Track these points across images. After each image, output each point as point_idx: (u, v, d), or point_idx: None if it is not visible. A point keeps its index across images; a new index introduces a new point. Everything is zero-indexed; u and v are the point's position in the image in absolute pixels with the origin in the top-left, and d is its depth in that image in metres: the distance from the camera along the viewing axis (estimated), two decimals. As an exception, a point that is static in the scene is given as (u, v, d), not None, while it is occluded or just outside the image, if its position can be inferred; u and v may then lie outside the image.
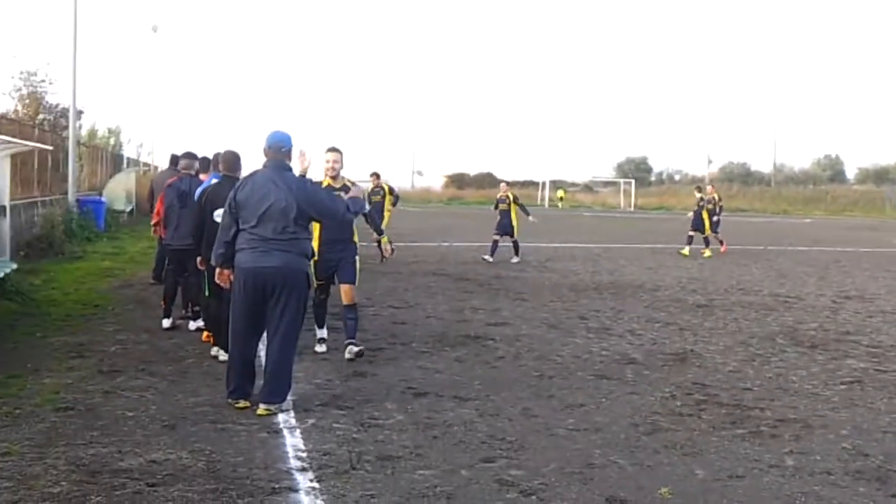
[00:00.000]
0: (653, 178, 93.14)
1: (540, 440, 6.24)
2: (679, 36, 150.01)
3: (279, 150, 7.02)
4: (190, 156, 10.94)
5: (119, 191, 29.85)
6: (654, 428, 6.63)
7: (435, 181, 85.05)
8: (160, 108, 78.78)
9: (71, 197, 22.65)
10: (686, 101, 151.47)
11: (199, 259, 8.72)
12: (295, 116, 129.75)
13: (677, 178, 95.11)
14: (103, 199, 26.01)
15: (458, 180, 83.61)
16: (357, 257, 8.97)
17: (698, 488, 5.38)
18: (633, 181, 74.69)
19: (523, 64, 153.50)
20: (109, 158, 36.83)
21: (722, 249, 23.67)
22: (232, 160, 8.70)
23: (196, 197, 9.05)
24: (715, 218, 23.68)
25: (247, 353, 6.99)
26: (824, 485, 5.47)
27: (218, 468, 5.41)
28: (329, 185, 8.78)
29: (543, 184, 72.57)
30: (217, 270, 7.22)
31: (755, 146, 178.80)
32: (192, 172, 10.52)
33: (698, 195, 24.54)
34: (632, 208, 69.10)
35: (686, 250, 22.87)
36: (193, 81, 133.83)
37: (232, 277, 7.05)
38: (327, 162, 8.90)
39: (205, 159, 10.58)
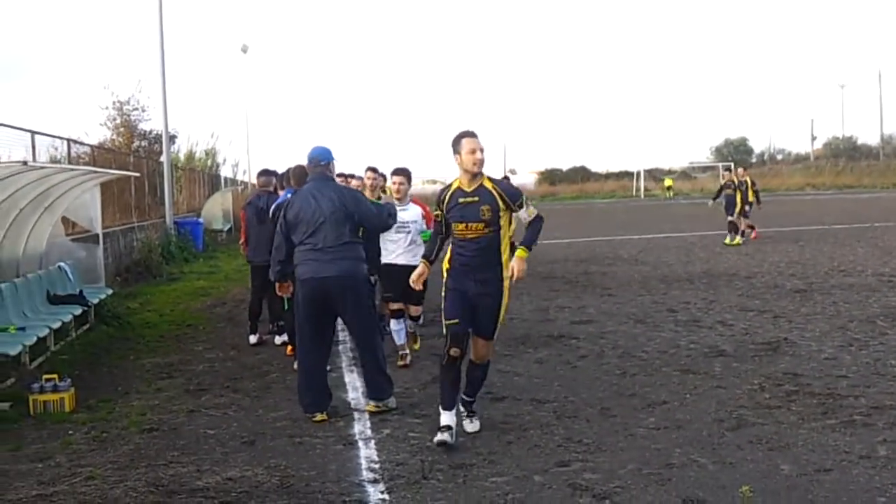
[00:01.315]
0: (754, 160, 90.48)
1: (618, 441, 6.08)
2: (772, 6, 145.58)
3: (318, 163, 7.29)
4: (267, 173, 11.11)
5: (216, 210, 30.68)
6: (740, 423, 6.39)
7: (527, 178, 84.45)
8: (254, 126, 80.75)
9: (168, 220, 23.37)
10: (785, 75, 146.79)
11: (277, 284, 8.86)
12: (384, 124, 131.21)
13: (780, 157, 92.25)
14: (201, 220, 26.79)
15: (550, 176, 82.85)
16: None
17: (782, 484, 5.14)
18: (731, 164, 72.68)
19: (612, 51, 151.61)
20: (207, 179, 37.93)
21: (753, 236, 21.93)
22: (301, 174, 8.76)
23: (271, 213, 9.18)
24: (746, 206, 21.59)
25: (317, 365, 7.11)
26: (919, 475, 5.16)
27: (291, 483, 5.45)
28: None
29: (638, 174, 71.33)
30: (277, 285, 7.54)
31: (861, 118, 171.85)
32: (271, 189, 10.68)
33: (725, 179, 23.30)
34: (732, 193, 67.24)
35: (738, 240, 21.14)
36: (285, 98, 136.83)
37: (291, 289, 7.33)
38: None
39: (284, 175, 10.72)
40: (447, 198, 6.32)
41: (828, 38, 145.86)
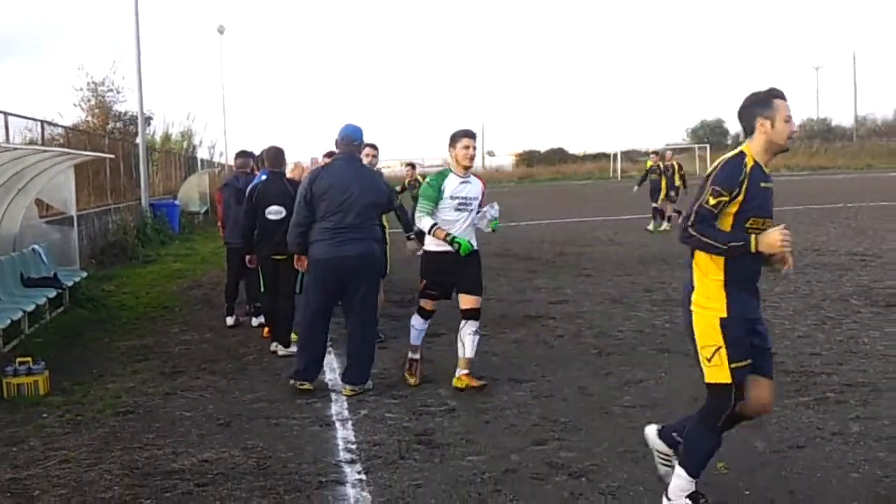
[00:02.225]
0: (729, 142, 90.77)
1: (594, 420, 6.12)
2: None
3: (351, 142, 7.29)
4: (244, 154, 11.04)
5: (192, 193, 30.44)
6: (714, 400, 6.43)
7: (505, 160, 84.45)
8: (231, 108, 79.99)
9: (144, 202, 23.18)
10: (760, 57, 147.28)
11: (248, 258, 8.84)
12: (363, 106, 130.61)
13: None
14: (177, 202, 26.59)
15: (528, 158, 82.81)
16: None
17: (756, 461, 5.20)
18: (707, 146, 73.09)
19: (589, 33, 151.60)
20: (183, 161, 37.63)
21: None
22: (275, 156, 8.79)
23: (246, 194, 9.12)
24: (672, 192, 20.73)
25: (321, 338, 7.28)
26: (891, 450, 5.23)
27: (268, 464, 5.45)
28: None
29: (615, 155, 71.52)
30: (296, 258, 7.46)
31: (835, 100, 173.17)
32: (248, 170, 10.61)
33: (651, 163, 21.68)
34: (708, 174, 67.58)
35: (665, 226, 20.30)
36: (263, 80, 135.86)
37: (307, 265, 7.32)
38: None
39: (260, 156, 10.64)
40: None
41: (803, 21, 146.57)
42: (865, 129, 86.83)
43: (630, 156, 73.95)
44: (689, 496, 4.39)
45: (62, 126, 20.08)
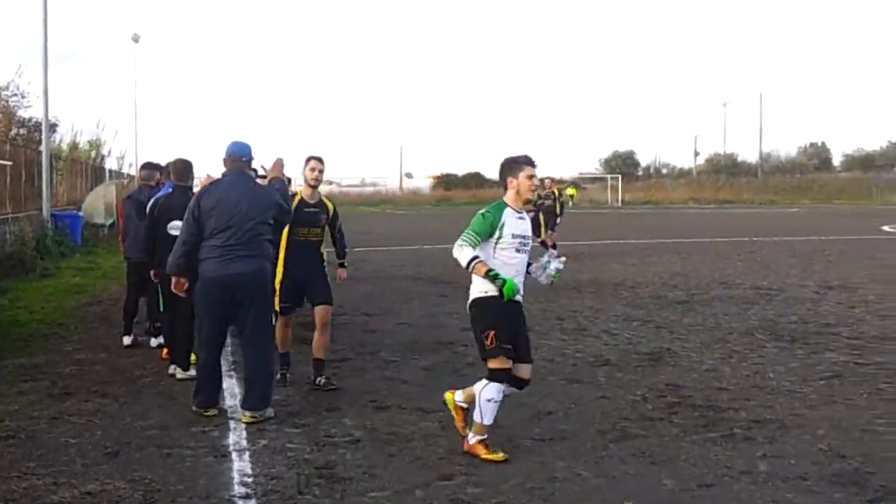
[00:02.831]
0: (640, 173, 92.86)
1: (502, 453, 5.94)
2: (662, 25, 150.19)
3: (238, 158, 7.13)
4: (150, 166, 10.63)
5: (98, 204, 29.36)
6: (623, 435, 6.36)
7: (423, 182, 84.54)
8: (143, 119, 78.18)
9: (45, 212, 22.26)
10: (672, 93, 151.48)
11: (153, 272, 8.46)
12: (279, 120, 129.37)
13: (665, 171, 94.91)
14: (80, 213, 25.64)
15: (445, 181, 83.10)
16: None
17: (665, 499, 5.10)
18: (619, 176, 74.60)
19: (508, 61, 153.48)
20: (90, 171, 36.44)
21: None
22: (182, 169, 8.45)
23: (147, 209, 8.73)
24: (558, 219, 19.39)
25: (216, 361, 7.02)
26: (798, 491, 5.19)
27: (155, 499, 5.11)
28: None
29: (531, 182, 72.15)
30: (174, 279, 7.09)
31: (742, 136, 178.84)
32: (153, 183, 10.21)
33: (546, 189, 19.13)
34: (619, 203, 68.91)
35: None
36: (176, 90, 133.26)
37: (186, 286, 7.05)
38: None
39: (165, 169, 10.25)
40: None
41: (713, 58, 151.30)
42: (770, 165, 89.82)
43: (558, 182, 74.77)
44: None
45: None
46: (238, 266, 6.74)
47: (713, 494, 5.16)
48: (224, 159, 7.15)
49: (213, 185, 7.15)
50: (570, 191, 67.84)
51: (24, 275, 16.70)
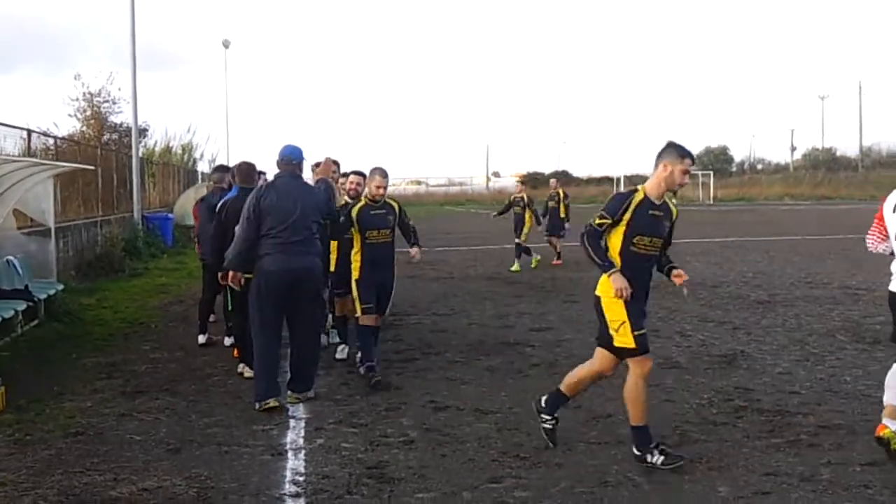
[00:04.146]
0: (734, 169, 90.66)
1: (555, 456, 5.88)
2: (753, 18, 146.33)
3: (290, 161, 7.58)
4: (222, 168, 10.88)
5: (189, 206, 30.26)
6: (683, 439, 6.21)
7: (509, 182, 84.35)
8: (234, 121, 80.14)
9: (136, 214, 23.01)
10: (767, 86, 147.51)
11: (220, 275, 8.62)
12: (366, 121, 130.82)
13: (760, 167, 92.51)
14: (171, 215, 26.41)
15: (532, 180, 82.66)
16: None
17: (717, 508, 4.96)
18: (711, 172, 72.97)
19: (597, 58, 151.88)
20: (183, 174, 37.53)
21: (556, 262, 18.59)
22: (247, 171, 8.65)
23: (216, 210, 8.91)
24: (567, 224, 18.81)
25: (275, 353, 7.41)
26: (859, 500, 4.99)
27: (209, 496, 5.21)
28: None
29: (618, 179, 71.35)
30: (231, 274, 7.57)
31: (841, 129, 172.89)
32: (224, 186, 10.41)
33: (516, 194, 19.02)
34: (711, 201, 67.44)
35: (531, 261, 18.12)
36: (266, 94, 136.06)
37: (243, 280, 7.56)
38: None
39: (231, 171, 10.45)
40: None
41: (810, 50, 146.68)
42: (871, 159, 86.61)
43: (633, 180, 73.65)
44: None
45: (51, 135, 19.94)
46: (296, 261, 7.23)
47: (769, 503, 4.99)
48: (277, 162, 7.58)
49: (269, 186, 7.52)
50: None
51: (114, 275, 17.28)
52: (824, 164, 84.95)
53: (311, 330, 7.54)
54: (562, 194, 19.27)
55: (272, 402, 7.11)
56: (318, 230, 7.53)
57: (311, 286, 7.37)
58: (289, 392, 7.38)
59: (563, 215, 18.95)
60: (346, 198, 8.97)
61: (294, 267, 7.22)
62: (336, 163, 9.79)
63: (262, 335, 7.36)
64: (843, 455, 5.77)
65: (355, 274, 8.23)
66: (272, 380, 7.27)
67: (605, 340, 5.80)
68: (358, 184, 9.03)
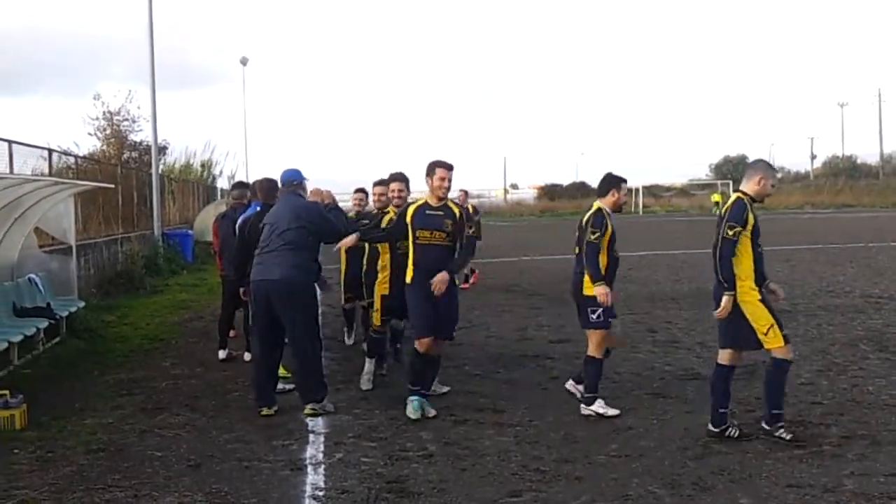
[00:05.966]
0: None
1: (575, 469, 5.85)
2: (771, 26, 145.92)
3: (290, 183, 7.98)
4: (241, 185, 10.95)
5: (209, 222, 30.37)
6: (705, 452, 6.17)
7: (527, 193, 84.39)
8: (253, 138, 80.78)
9: (156, 231, 23.15)
10: (785, 94, 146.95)
11: (242, 290, 8.68)
12: (384, 134, 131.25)
13: (780, 176, 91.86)
14: (191, 231, 26.56)
15: (549, 191, 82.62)
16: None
17: (739, 520, 4.92)
18: (730, 182, 72.56)
19: (615, 69, 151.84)
20: (202, 191, 37.73)
21: (472, 280, 17.40)
22: (268, 188, 8.67)
23: (237, 227, 8.97)
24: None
25: (264, 361, 7.65)
26: (884, 512, 4.93)
27: (229, 511, 5.23)
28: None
29: (636, 190, 71.11)
30: (242, 289, 8.45)
31: (861, 137, 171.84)
32: (244, 202, 10.47)
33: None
34: (730, 210, 66.92)
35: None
36: (284, 110, 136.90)
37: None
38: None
39: (251, 188, 10.51)
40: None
41: (829, 57, 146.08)
42: (891, 166, 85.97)
43: (652, 191, 73.57)
44: None
45: (71, 154, 20.10)
46: (269, 272, 7.43)
47: (792, 515, 4.95)
48: (279, 187, 8.09)
49: (268, 209, 8.01)
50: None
51: (135, 292, 17.38)
52: (844, 171, 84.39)
53: (297, 339, 7.48)
54: (471, 209, 16.77)
55: (265, 411, 7.43)
56: (300, 239, 7.47)
57: (286, 298, 7.39)
58: (304, 406, 7.48)
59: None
60: (390, 208, 8.61)
61: (267, 277, 7.44)
62: (363, 190, 10.59)
63: (256, 345, 7.82)
64: (867, 465, 5.72)
65: (382, 289, 8.16)
66: (262, 388, 7.58)
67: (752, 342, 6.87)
68: (401, 190, 8.45)
